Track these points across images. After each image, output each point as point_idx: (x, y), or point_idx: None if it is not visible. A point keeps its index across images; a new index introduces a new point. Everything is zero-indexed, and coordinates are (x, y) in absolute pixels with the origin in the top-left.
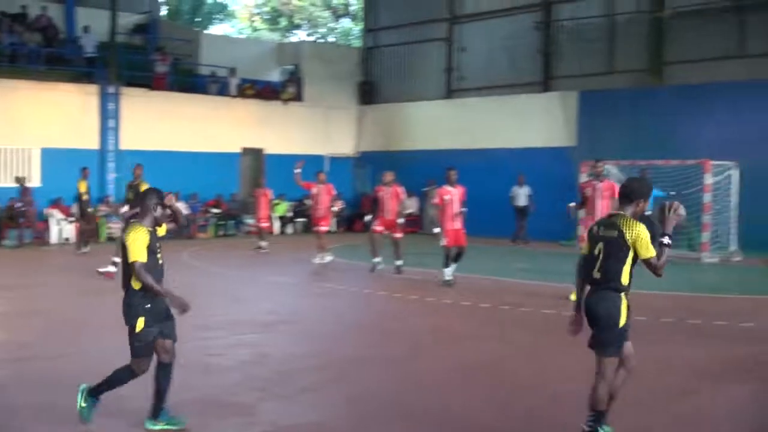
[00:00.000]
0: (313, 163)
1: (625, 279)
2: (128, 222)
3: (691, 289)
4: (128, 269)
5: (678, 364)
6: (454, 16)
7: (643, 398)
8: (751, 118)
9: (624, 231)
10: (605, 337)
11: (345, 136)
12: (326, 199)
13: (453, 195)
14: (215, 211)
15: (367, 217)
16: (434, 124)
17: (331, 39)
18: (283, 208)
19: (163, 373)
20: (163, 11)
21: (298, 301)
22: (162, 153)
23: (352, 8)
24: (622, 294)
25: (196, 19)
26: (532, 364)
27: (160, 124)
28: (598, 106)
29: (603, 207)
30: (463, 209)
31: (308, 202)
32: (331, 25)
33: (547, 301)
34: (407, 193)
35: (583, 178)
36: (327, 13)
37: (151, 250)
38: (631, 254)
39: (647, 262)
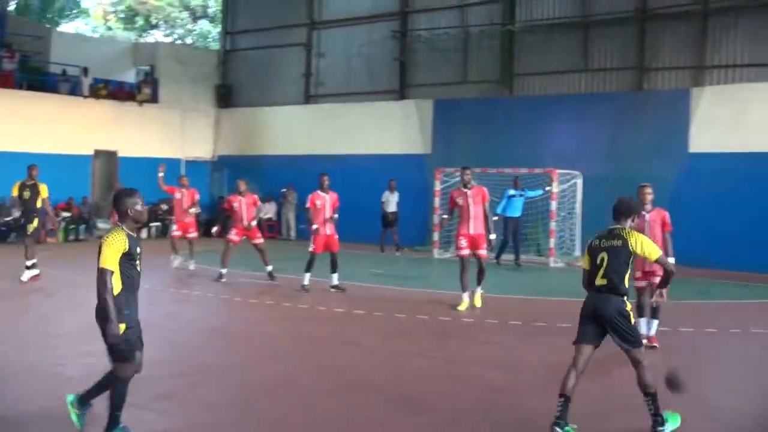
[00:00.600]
0: (170, 166)
1: (626, 283)
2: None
3: (537, 293)
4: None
5: (515, 362)
6: (313, 21)
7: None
8: (593, 129)
9: (629, 240)
10: (632, 334)
11: (202, 139)
12: (190, 204)
13: (325, 201)
14: (66, 214)
15: (214, 229)
16: (293, 129)
17: (188, 40)
18: None
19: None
20: (11, 6)
21: (153, 307)
22: (8, 154)
23: (210, 10)
24: (625, 297)
25: (47, 16)
26: (385, 367)
27: (7, 123)
28: (452, 115)
29: (477, 213)
30: (335, 215)
31: (164, 206)
32: (189, 26)
33: (400, 306)
34: (266, 197)
35: (438, 185)
36: (185, 14)
37: (130, 257)
38: (632, 260)
39: (657, 261)
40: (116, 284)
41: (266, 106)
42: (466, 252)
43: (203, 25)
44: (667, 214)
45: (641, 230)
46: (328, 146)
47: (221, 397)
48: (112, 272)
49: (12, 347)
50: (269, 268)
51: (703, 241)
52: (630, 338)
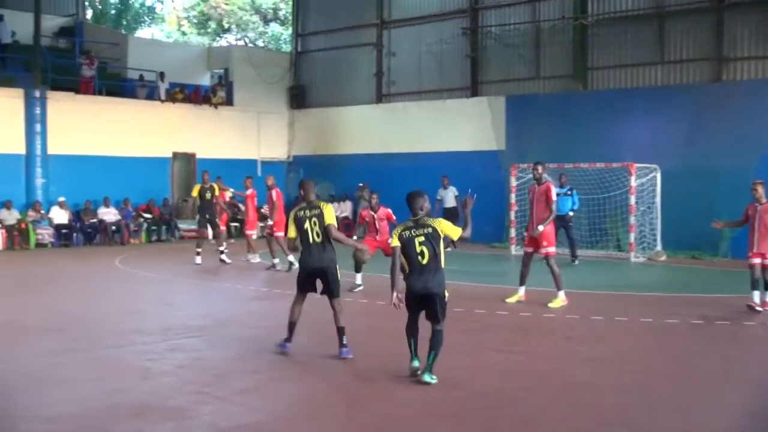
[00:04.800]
0: (246, 167)
1: None
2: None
3: (618, 288)
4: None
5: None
6: (383, 21)
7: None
8: (670, 122)
9: None
10: None
11: (277, 140)
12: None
13: (373, 218)
14: (147, 216)
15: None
16: (365, 128)
17: (260, 43)
18: None
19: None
20: (89, 14)
21: (233, 305)
22: (91, 157)
23: (281, 13)
24: None
25: (123, 22)
26: (464, 362)
27: (89, 128)
28: (525, 111)
29: (537, 210)
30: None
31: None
32: (261, 29)
33: (483, 302)
34: (341, 196)
35: (513, 181)
36: (256, 18)
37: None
38: None
39: None
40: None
41: (339, 106)
42: (529, 249)
43: (274, 27)
44: None
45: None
46: (400, 144)
47: (302, 392)
48: None
49: (102, 343)
50: (274, 260)
51: None
52: None
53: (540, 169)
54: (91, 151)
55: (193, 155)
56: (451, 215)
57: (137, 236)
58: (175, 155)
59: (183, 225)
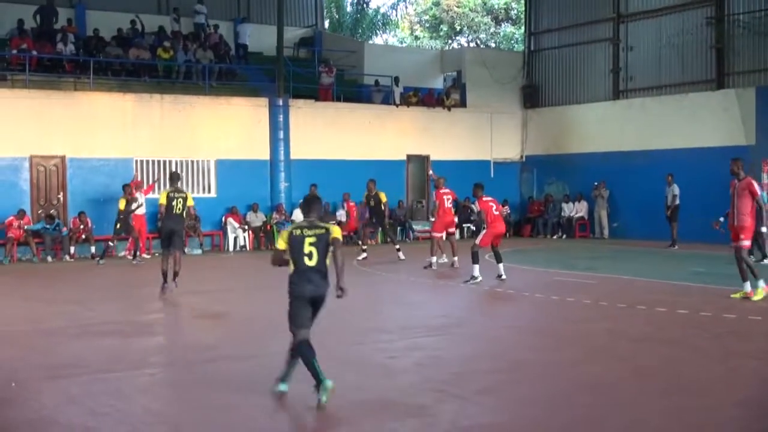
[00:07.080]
0: (478, 168)
1: None
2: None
3: None
4: None
5: None
6: (620, 15)
7: None
8: None
9: None
10: None
11: (510, 140)
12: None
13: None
14: None
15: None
16: (601, 126)
17: (492, 44)
18: None
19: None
20: (326, 24)
21: (468, 304)
22: (330, 161)
23: (512, 13)
24: None
25: (359, 31)
26: (715, 369)
27: (327, 133)
28: None
29: (739, 204)
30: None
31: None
32: (492, 30)
33: (728, 305)
34: (577, 196)
35: (765, 178)
36: (487, 19)
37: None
38: None
39: None
40: None
41: (574, 104)
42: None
43: (506, 27)
44: None
45: None
46: (639, 141)
47: (541, 394)
48: None
49: (345, 340)
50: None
51: None
52: None
53: (738, 163)
54: (329, 155)
55: (426, 157)
56: (667, 214)
57: (374, 237)
58: (409, 158)
59: (417, 226)
